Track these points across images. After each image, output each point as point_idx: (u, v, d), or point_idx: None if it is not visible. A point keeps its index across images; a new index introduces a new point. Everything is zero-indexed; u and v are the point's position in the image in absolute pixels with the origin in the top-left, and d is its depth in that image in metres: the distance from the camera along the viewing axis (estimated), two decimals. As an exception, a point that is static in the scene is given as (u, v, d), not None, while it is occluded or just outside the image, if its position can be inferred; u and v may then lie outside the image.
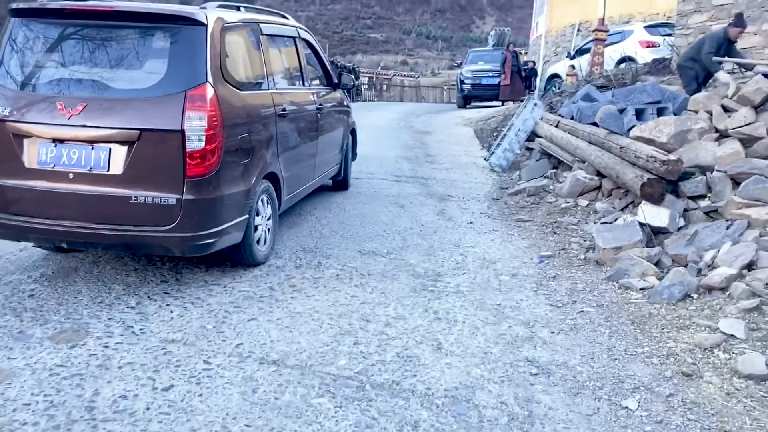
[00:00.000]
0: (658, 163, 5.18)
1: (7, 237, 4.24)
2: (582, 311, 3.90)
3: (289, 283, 4.27)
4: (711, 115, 5.95)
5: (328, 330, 3.55)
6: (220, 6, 4.50)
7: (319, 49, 6.29)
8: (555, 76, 17.54)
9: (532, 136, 9.01)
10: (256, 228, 4.52)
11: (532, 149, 8.96)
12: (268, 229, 4.76)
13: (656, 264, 4.51)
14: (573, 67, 16.21)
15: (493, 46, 23.75)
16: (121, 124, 3.82)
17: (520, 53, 18.27)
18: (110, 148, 3.85)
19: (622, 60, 14.83)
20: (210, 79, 3.91)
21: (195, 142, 3.79)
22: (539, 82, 18.28)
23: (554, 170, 7.75)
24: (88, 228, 3.89)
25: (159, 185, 3.83)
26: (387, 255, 4.95)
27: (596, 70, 13.91)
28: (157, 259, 4.63)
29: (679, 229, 4.94)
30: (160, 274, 4.37)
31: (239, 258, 4.50)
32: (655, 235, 4.93)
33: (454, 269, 4.66)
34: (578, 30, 21.56)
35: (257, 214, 4.52)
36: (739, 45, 10.97)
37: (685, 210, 5.15)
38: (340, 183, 7.16)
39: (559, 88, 16.59)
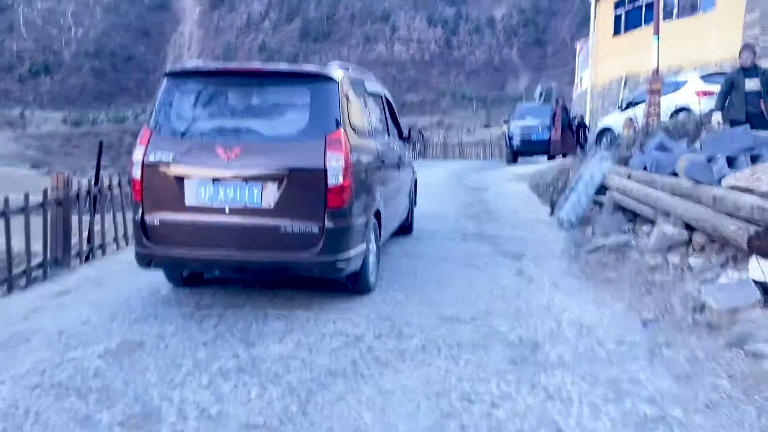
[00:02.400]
0: (768, 213, 4.69)
1: (165, 266, 4.95)
2: (714, 384, 3.40)
3: (373, 356, 3.86)
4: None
5: (428, 412, 3.13)
6: (340, 66, 5.17)
7: (394, 106, 6.87)
8: (606, 129, 17.15)
9: (602, 189, 8.58)
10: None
11: (601, 203, 8.51)
12: (375, 261, 5.29)
13: (782, 327, 3.99)
14: (631, 119, 15.82)
15: (540, 101, 23.50)
16: (273, 164, 4.46)
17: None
18: (262, 186, 4.48)
19: (678, 110, 14.42)
20: (342, 125, 4.60)
21: (334, 179, 4.42)
22: (590, 136, 17.90)
23: (631, 224, 7.28)
24: (241, 255, 4.53)
25: (304, 216, 4.45)
26: (471, 321, 4.52)
27: (652, 121, 13.49)
28: (226, 331, 4.29)
29: (800, 286, 4.42)
30: (231, 347, 4.02)
31: (356, 285, 5.02)
32: (772, 293, 4.41)
33: (551, 337, 4.20)
34: (625, 83, 21.26)
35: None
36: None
37: (802, 265, 4.62)
38: (407, 227, 7.58)
39: (612, 142, 16.19)
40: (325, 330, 4.31)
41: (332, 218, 4.44)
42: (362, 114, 5.31)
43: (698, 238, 5.83)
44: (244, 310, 4.71)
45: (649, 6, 20.72)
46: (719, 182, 5.76)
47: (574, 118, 17.90)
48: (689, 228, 6.02)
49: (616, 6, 22.09)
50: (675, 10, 19.37)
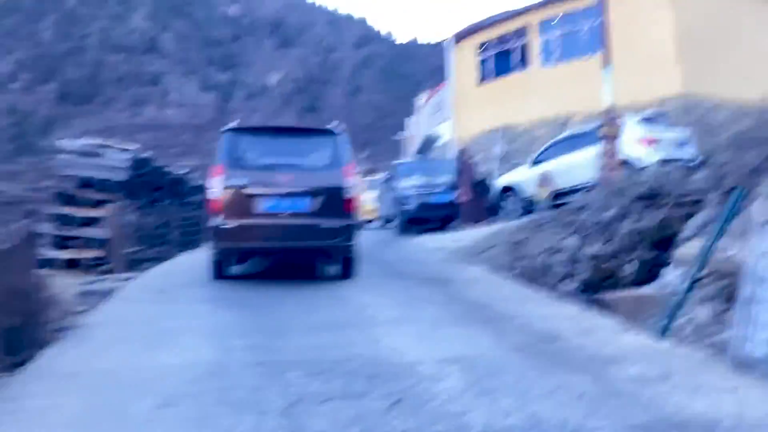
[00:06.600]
0: None
1: (238, 254, 8.08)
2: None
3: None
4: None
5: None
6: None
7: None
8: (507, 189, 13.81)
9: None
10: None
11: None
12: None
13: None
14: (544, 175, 12.62)
15: (419, 153, 19.76)
16: (314, 184, 7.61)
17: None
18: (308, 197, 7.55)
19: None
20: (348, 160, 7.95)
21: (349, 194, 7.65)
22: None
23: None
24: (293, 243, 7.64)
25: (333, 217, 7.51)
26: None
27: (613, 176, 10.33)
28: None
29: None
30: None
31: (348, 272, 8.10)
32: None
33: None
34: (501, 135, 18.48)
35: None
36: None
37: None
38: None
39: (532, 204, 12.89)
40: None
41: (348, 218, 7.63)
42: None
43: None
44: None
45: (522, 50, 18.41)
46: None
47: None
48: None
49: (481, 50, 19.43)
50: (557, 54, 17.06)
